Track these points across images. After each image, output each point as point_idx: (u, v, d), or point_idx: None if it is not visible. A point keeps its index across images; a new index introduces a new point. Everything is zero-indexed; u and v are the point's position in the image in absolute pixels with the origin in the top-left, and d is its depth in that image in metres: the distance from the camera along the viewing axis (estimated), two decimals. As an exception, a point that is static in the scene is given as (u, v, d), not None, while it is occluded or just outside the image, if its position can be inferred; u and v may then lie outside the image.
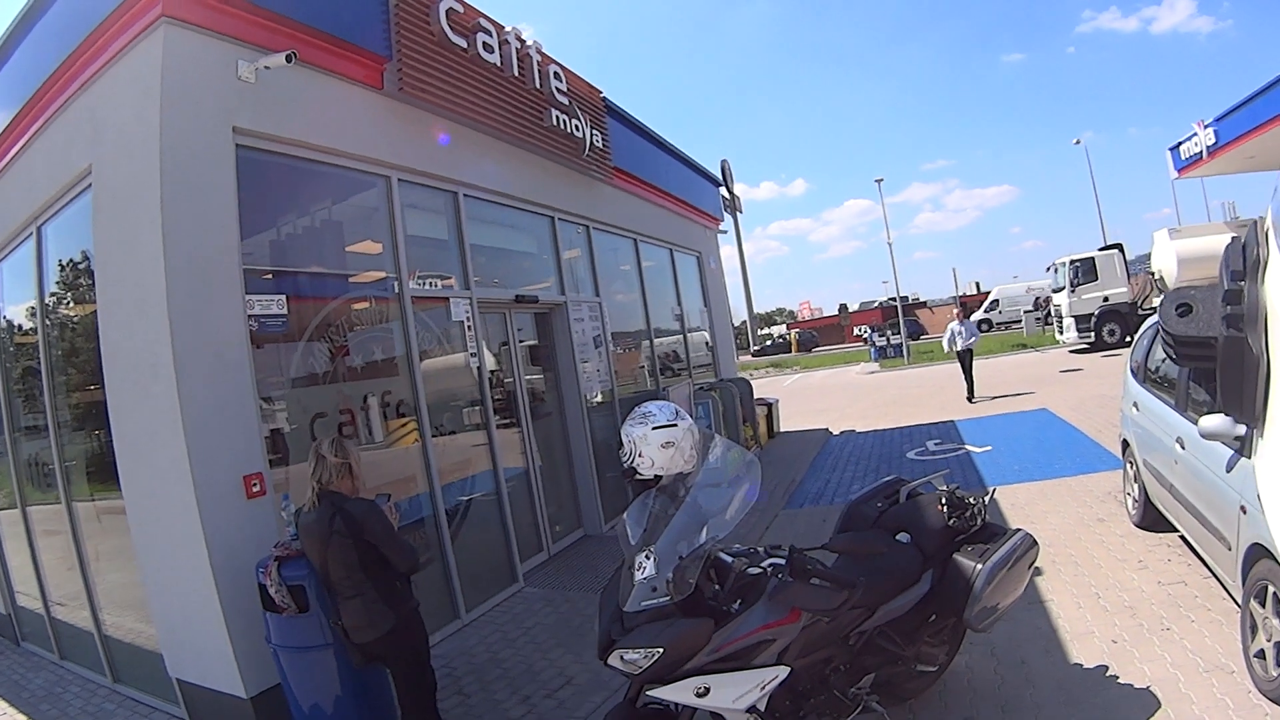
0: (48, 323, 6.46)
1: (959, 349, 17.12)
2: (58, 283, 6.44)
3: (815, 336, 63.66)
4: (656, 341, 12.72)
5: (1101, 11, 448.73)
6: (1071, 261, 25.23)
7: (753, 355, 54.10)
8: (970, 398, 16.81)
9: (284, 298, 5.53)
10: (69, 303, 6.51)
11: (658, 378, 12.31)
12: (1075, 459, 9.58)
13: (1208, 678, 4.13)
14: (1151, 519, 6.25)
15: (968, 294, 49.21)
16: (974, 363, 17.25)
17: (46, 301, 6.46)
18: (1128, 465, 6.87)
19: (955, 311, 19.07)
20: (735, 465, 3.65)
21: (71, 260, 6.26)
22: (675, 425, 3.65)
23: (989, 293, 55.39)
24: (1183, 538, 5.70)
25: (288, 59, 5.17)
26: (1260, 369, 1.57)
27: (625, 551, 3.51)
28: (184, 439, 4.61)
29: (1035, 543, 4.21)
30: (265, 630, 4.46)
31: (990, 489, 4.65)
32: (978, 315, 50.93)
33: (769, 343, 60.87)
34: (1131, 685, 4.20)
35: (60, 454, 6.38)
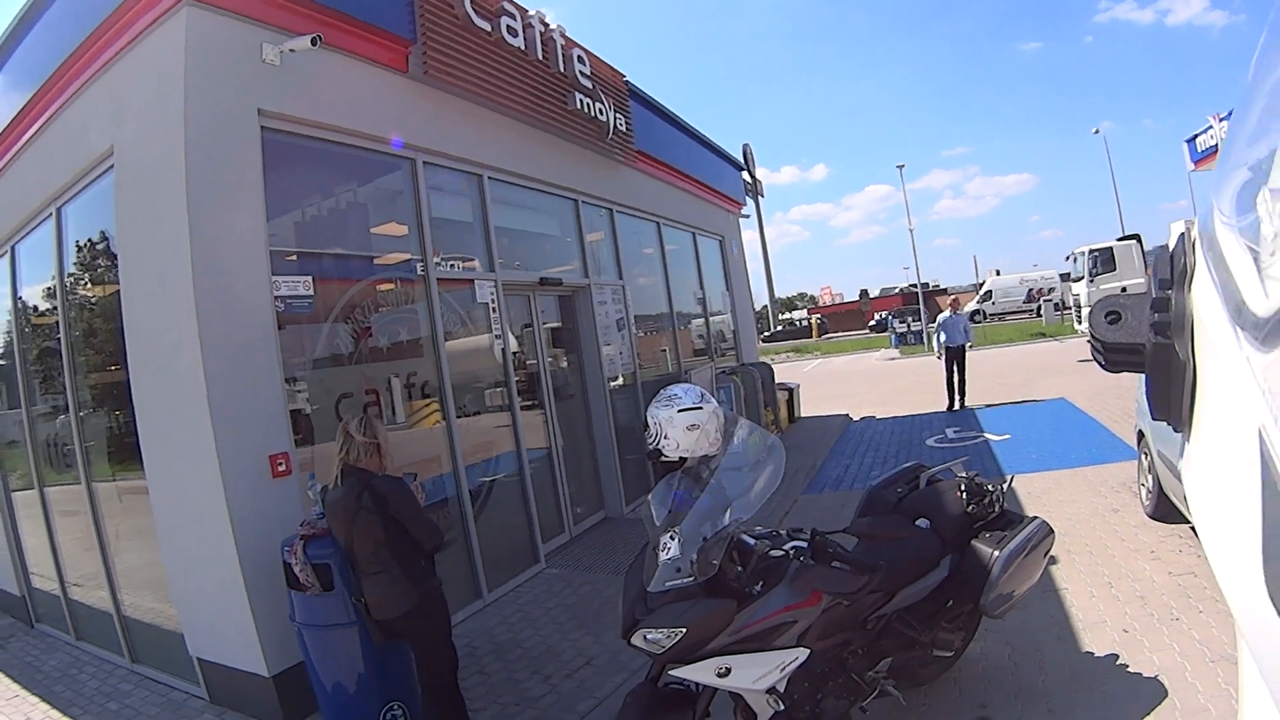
0: (67, 303, 6.48)
1: (948, 346, 14.51)
2: (75, 263, 6.47)
3: (825, 323, 63.92)
4: (680, 324, 12.76)
5: (1118, 2, 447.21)
6: (1090, 251, 25.15)
7: (762, 341, 54.53)
8: (952, 405, 14.49)
9: (310, 278, 5.57)
10: (87, 283, 6.54)
11: (680, 361, 12.34)
12: (1092, 449, 9.61)
13: (1214, 668, 4.16)
14: (1165, 510, 6.28)
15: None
16: (966, 362, 14.66)
17: (66, 282, 6.49)
18: (1142, 456, 6.88)
19: (948, 301, 16.57)
20: (759, 448, 3.69)
21: (90, 241, 6.29)
22: (700, 408, 3.69)
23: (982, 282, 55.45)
24: (1194, 529, 5.73)
25: (313, 42, 5.20)
26: (1186, 375, 1.61)
27: (650, 532, 3.54)
28: (209, 418, 4.65)
29: (1051, 530, 4.24)
30: (289, 609, 4.50)
31: (1008, 476, 4.68)
32: (970, 305, 51.00)
33: (779, 329, 60.87)
34: (1140, 674, 4.24)
35: (80, 434, 6.40)
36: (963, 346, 14.47)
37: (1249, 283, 1.06)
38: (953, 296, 16.79)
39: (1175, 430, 1.64)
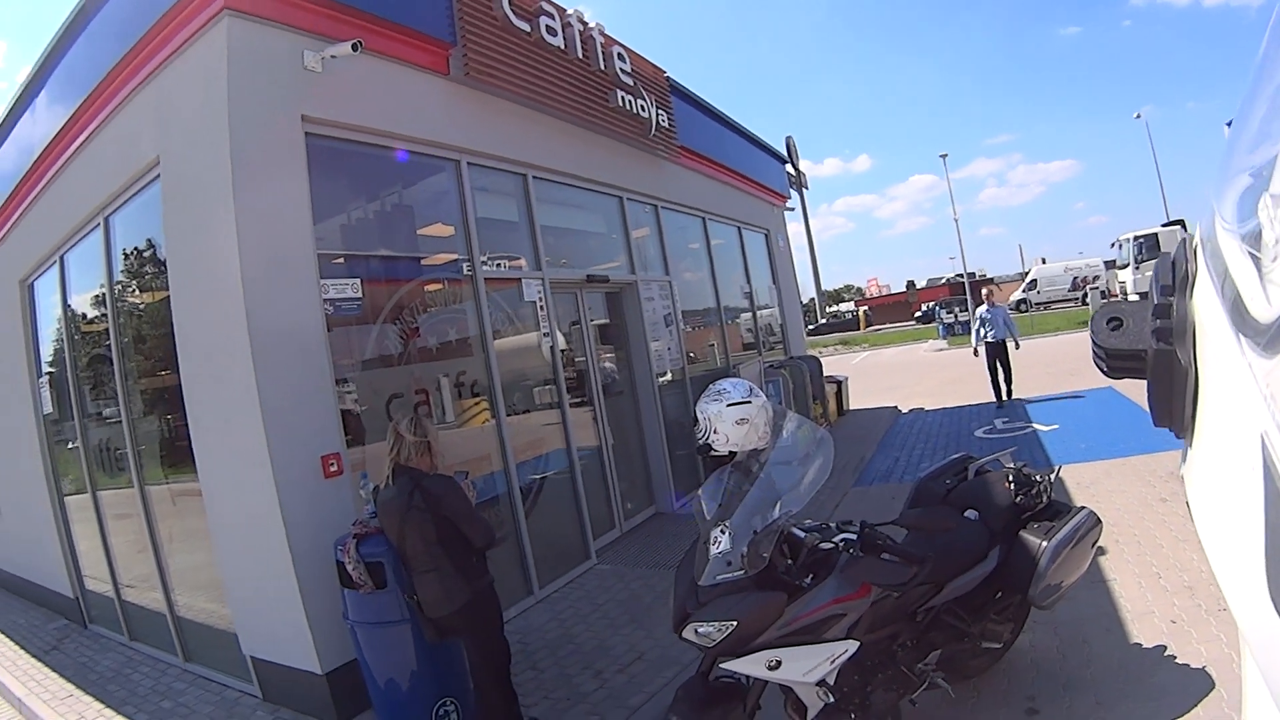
0: (117, 310, 6.60)
1: (988, 341, 13.61)
2: (123, 271, 6.59)
3: (869, 314, 63.92)
4: (727, 319, 12.78)
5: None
6: (1135, 238, 24.84)
7: (808, 333, 54.49)
8: (1000, 401, 13.74)
9: (358, 281, 5.65)
10: (135, 291, 6.66)
11: (728, 355, 12.36)
12: (1140, 438, 9.48)
13: (1260, 659, 4.13)
14: (1213, 499, 6.18)
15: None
16: (1011, 358, 13.78)
17: (115, 290, 6.60)
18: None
19: (985, 292, 15.08)
20: (808, 441, 3.71)
21: (137, 249, 6.41)
22: (749, 402, 3.71)
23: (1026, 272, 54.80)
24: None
25: (354, 48, 5.27)
26: (1188, 382, 1.60)
27: (700, 526, 3.57)
28: (261, 421, 4.73)
29: (1099, 521, 4.21)
30: (342, 607, 4.58)
31: (1056, 467, 4.66)
32: (1015, 294, 50.33)
33: (822, 321, 60.62)
34: (1188, 665, 4.20)
35: (133, 438, 6.52)
36: (1003, 341, 13.58)
37: (1251, 289, 1.07)
38: (988, 289, 15.56)
39: (1177, 437, 1.65)
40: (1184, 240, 1.78)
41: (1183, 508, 6.47)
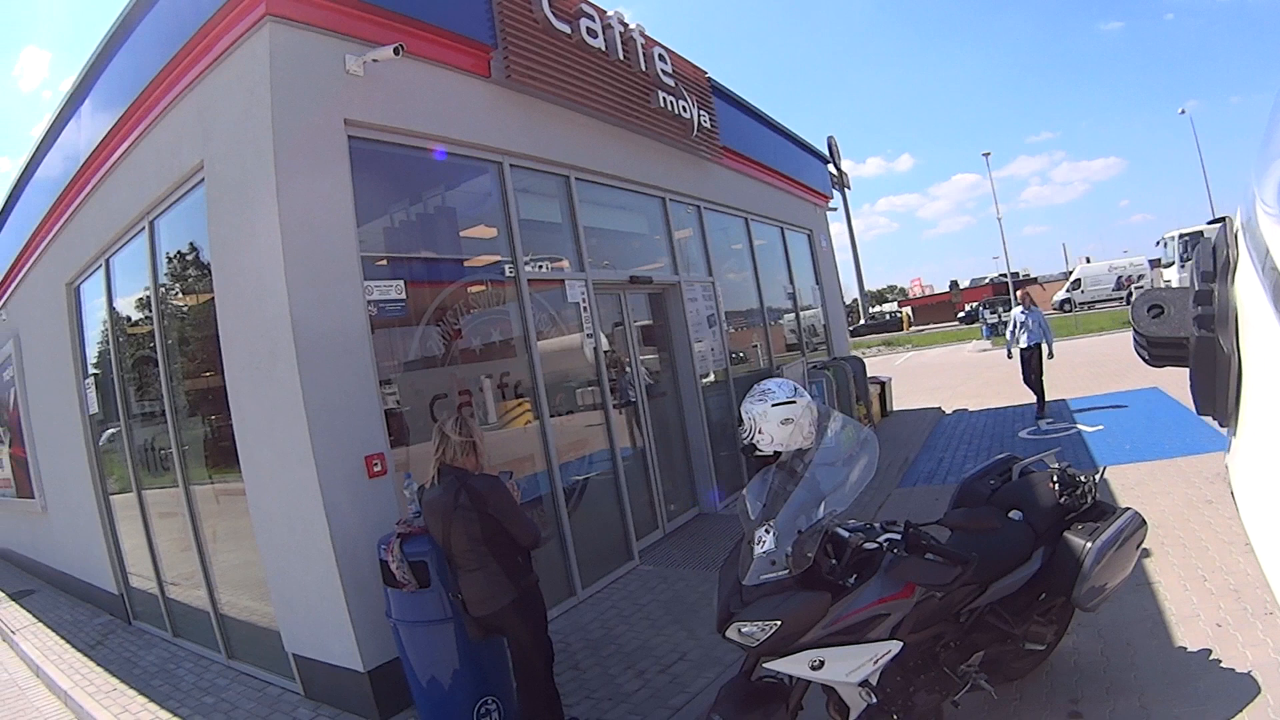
0: (162, 313, 6.69)
1: (1022, 346, 12.77)
2: (167, 274, 6.70)
3: (907, 314, 63.73)
4: (770, 319, 12.77)
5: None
6: (1180, 236, 24.44)
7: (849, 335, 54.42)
8: (1040, 413, 12.81)
9: (402, 282, 5.72)
10: (179, 293, 6.77)
11: (771, 356, 12.37)
12: (1185, 439, 9.39)
13: (1310, 665, 4.06)
14: (1260, 501, 6.09)
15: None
16: (1043, 364, 12.81)
17: (160, 292, 6.70)
18: (1236, 446, 6.67)
19: (1020, 294, 14.06)
20: (852, 441, 3.71)
21: (180, 253, 6.52)
22: (794, 402, 3.72)
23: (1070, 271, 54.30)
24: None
25: (395, 52, 5.33)
26: (1231, 369, 1.56)
27: (744, 526, 3.58)
28: (306, 421, 4.80)
29: (1144, 522, 4.17)
30: (385, 605, 4.63)
31: (1101, 467, 4.62)
32: (1059, 294, 49.72)
33: (861, 322, 60.54)
34: (1233, 670, 4.15)
35: (178, 439, 6.62)
36: (1038, 346, 12.70)
37: None
38: (1024, 291, 14.66)
39: (1221, 425, 1.62)
40: (1225, 225, 1.75)
41: (1229, 510, 6.42)
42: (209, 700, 5.92)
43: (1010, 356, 13.39)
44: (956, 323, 56.93)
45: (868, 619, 3.32)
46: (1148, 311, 1.76)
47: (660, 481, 8.72)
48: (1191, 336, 1.62)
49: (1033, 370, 12.76)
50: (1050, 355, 12.78)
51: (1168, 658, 4.42)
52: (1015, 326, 12.96)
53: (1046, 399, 12.97)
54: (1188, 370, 1.66)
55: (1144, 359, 1.78)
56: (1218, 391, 1.58)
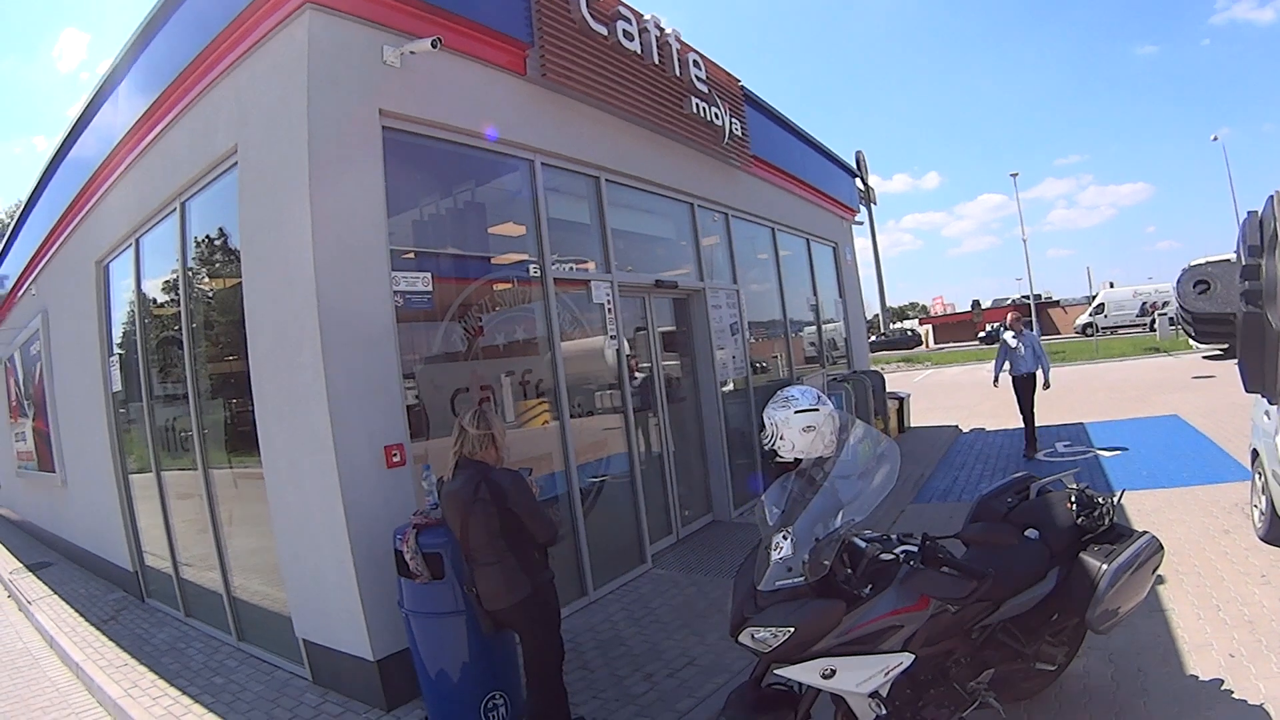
0: (189, 295, 6.74)
1: (1014, 375, 11.58)
2: (195, 257, 6.75)
3: (918, 335, 63.30)
4: (792, 331, 12.80)
5: (1236, 2, 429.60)
6: (1208, 264, 24.18)
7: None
8: (1029, 451, 11.60)
9: (429, 275, 5.74)
10: (205, 277, 6.83)
11: (791, 367, 12.38)
12: (1204, 468, 9.35)
13: (1324, 699, 4.01)
14: (1278, 533, 6.07)
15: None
16: (1035, 395, 11.60)
17: (188, 275, 6.75)
18: (1256, 476, 6.64)
19: (1009, 317, 12.27)
20: (873, 451, 3.71)
21: (208, 237, 6.58)
22: (817, 410, 3.72)
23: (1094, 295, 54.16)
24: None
25: (433, 44, 5.37)
26: None
27: (762, 531, 3.58)
28: (327, 408, 4.82)
29: (1161, 547, 4.13)
30: (398, 595, 4.65)
31: (1119, 491, 4.59)
32: (1082, 318, 49.36)
33: (876, 336, 60.32)
34: (1245, 701, 4.12)
35: (199, 421, 6.67)
36: (1032, 375, 11.46)
37: None
38: (1013, 313, 12.61)
39: (1270, 402, 1.61)
40: (1272, 197, 1.72)
41: (1246, 541, 6.40)
42: (218, 680, 5.96)
43: (996, 384, 12.31)
44: (976, 342, 56.64)
45: (881, 630, 3.32)
46: (1193, 287, 1.75)
47: (676, 487, 8.72)
48: (1239, 312, 1.61)
49: (1025, 400, 11.58)
50: (1046, 385, 11.61)
51: (1179, 686, 4.38)
52: (1004, 351, 11.72)
53: (1035, 446, 11.76)
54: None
55: (1189, 335, 1.77)
56: (1266, 368, 1.57)
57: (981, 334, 57.89)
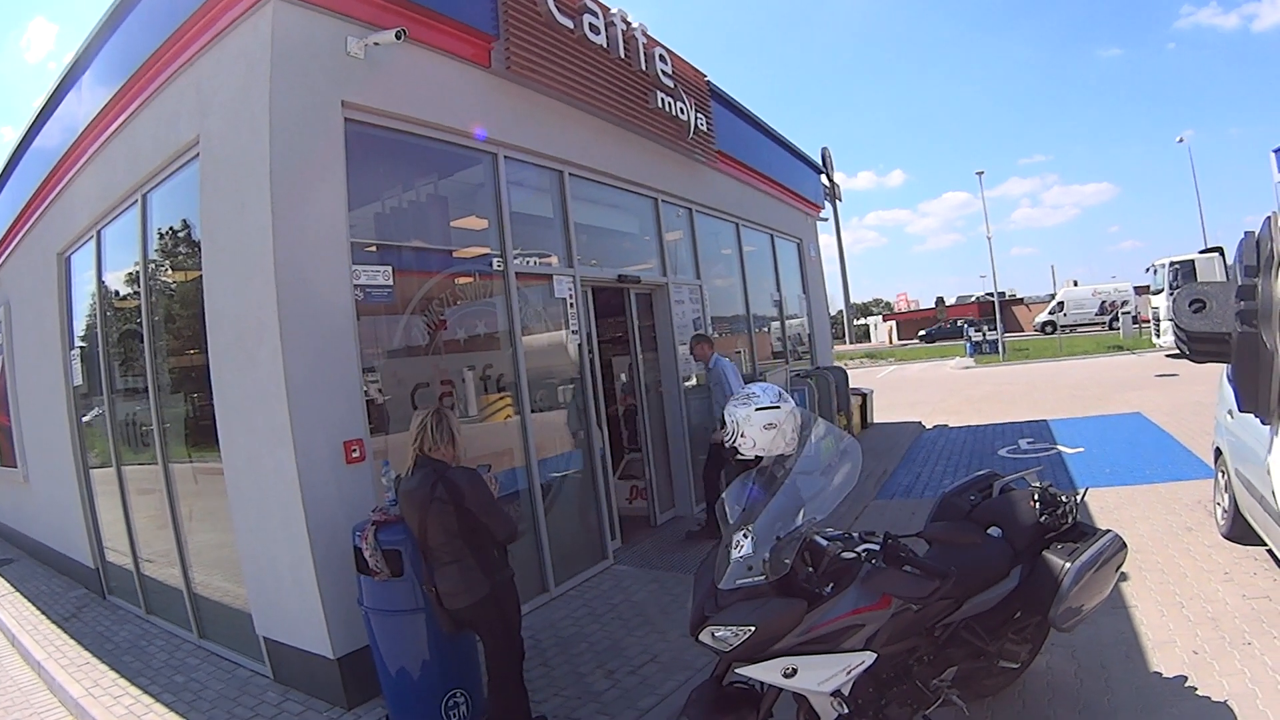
0: (150, 288, 6.65)
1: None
2: (157, 249, 6.66)
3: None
4: (756, 326, 12.78)
5: (1201, 7, 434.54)
6: (1171, 264, 24.47)
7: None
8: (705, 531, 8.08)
9: (390, 269, 5.67)
10: (168, 269, 6.73)
11: (755, 363, 12.36)
12: (1167, 465, 9.45)
13: (1287, 695, 4.04)
14: (1240, 530, 6.10)
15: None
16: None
17: (149, 267, 6.66)
18: (1219, 474, 6.71)
19: (693, 345, 8.87)
20: (835, 449, 3.69)
21: (172, 229, 6.48)
22: (778, 407, 3.70)
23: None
24: (1270, 552, 5.58)
25: (397, 36, 5.29)
26: (1275, 364, 1.53)
27: (723, 530, 3.56)
28: (286, 403, 4.75)
29: (1124, 545, 4.16)
30: (357, 593, 4.58)
31: (1082, 489, 4.60)
32: (1042, 316, 50.08)
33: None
34: (1209, 698, 4.14)
35: (159, 416, 6.58)
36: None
37: None
38: (700, 344, 8.76)
39: (1263, 423, 1.59)
40: (1269, 218, 1.72)
41: (1209, 538, 6.44)
42: (179, 679, 5.88)
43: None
44: (917, 340, 57.74)
45: (842, 629, 3.30)
46: (1189, 306, 1.73)
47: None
48: (1234, 332, 1.59)
49: (718, 464, 8.11)
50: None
51: (1143, 682, 4.41)
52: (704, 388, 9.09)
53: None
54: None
55: (1185, 354, 1.75)
56: (1260, 388, 1.55)
57: (923, 332, 58.60)
